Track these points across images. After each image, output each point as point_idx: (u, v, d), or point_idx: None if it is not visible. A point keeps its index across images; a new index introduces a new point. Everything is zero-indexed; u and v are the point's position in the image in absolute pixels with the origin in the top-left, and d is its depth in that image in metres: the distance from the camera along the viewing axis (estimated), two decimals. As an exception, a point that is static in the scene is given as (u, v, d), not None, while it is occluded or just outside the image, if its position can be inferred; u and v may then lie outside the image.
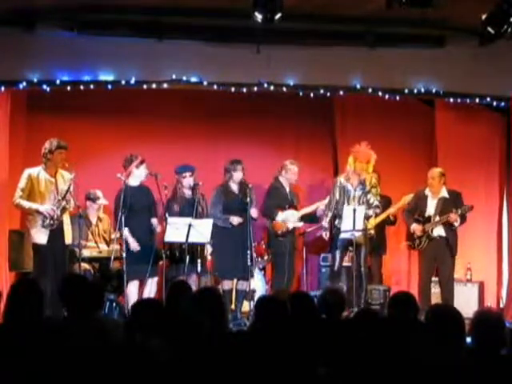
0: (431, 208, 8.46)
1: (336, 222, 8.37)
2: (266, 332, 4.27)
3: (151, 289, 7.94)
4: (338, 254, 8.37)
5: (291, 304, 4.83)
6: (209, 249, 8.12)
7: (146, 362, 3.46)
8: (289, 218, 8.58)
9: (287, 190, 8.70)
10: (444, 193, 8.45)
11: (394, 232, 9.42)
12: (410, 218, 8.58)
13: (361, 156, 8.42)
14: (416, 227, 8.43)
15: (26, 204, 7.46)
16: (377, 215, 8.78)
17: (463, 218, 8.40)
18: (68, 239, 7.64)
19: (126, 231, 7.76)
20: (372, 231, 8.76)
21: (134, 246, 7.82)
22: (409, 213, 8.64)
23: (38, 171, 7.54)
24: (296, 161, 8.75)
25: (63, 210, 7.50)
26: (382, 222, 8.96)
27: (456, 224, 8.37)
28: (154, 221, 8.05)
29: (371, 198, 8.42)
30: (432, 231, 8.37)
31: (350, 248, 8.32)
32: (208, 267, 8.29)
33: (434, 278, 8.57)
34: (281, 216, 8.54)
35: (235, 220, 8.21)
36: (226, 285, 8.29)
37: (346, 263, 8.66)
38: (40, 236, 7.45)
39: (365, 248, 8.38)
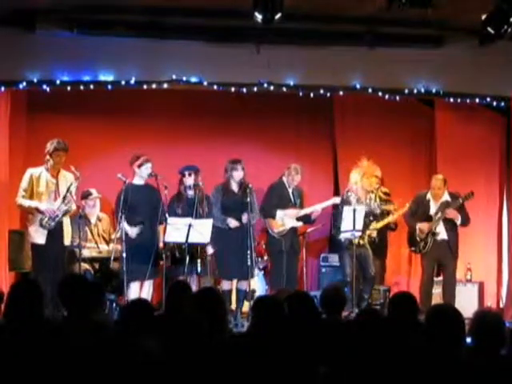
0: (433, 210, 8.46)
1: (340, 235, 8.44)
2: (263, 333, 4.27)
3: (149, 290, 7.92)
4: (348, 262, 8.40)
5: (291, 304, 4.83)
6: (209, 250, 8.11)
7: (142, 363, 3.47)
8: (288, 218, 8.55)
9: (290, 190, 8.65)
10: (446, 196, 8.46)
11: (394, 236, 9.41)
12: (413, 221, 8.54)
13: (369, 171, 8.47)
14: (422, 225, 8.41)
15: (27, 202, 7.49)
16: (378, 220, 8.77)
17: (465, 218, 8.40)
18: (67, 240, 7.64)
19: (125, 224, 7.73)
20: (374, 235, 8.77)
21: (132, 232, 7.78)
22: (410, 217, 8.62)
23: (40, 171, 7.58)
24: (301, 167, 8.69)
25: (66, 211, 7.52)
26: (384, 227, 8.96)
27: (458, 222, 8.37)
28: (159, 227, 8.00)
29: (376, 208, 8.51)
30: (435, 228, 8.36)
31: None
32: (208, 267, 8.29)
33: (435, 279, 8.58)
34: (280, 215, 8.51)
35: (232, 223, 8.20)
36: (226, 285, 8.28)
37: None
38: (39, 236, 7.47)
39: (370, 250, 8.45)
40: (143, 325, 4.02)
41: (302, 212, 8.66)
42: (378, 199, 8.61)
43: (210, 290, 5.03)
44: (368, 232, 8.64)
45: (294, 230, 8.60)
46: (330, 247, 9.58)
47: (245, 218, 8.13)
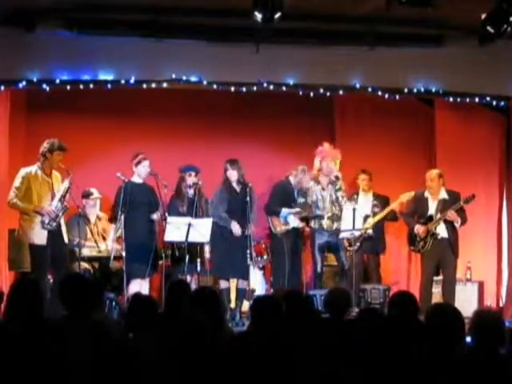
0: (432, 209, 8.44)
1: (312, 223, 8.38)
2: (262, 332, 4.27)
3: (146, 288, 7.91)
4: (318, 256, 8.41)
5: (289, 303, 4.83)
6: (207, 248, 8.11)
7: (142, 362, 3.47)
8: (292, 217, 8.54)
9: (295, 190, 8.66)
10: (443, 194, 8.42)
11: (394, 232, 9.41)
12: (411, 221, 8.51)
13: (330, 156, 8.44)
14: (419, 228, 8.37)
15: (22, 204, 7.37)
16: (375, 214, 8.77)
17: (464, 219, 8.38)
18: (65, 239, 7.61)
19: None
20: (370, 231, 8.76)
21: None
22: (408, 216, 8.60)
23: (34, 170, 7.43)
24: (309, 170, 8.69)
25: (65, 210, 7.47)
26: (380, 221, 8.95)
27: (457, 224, 8.35)
28: (154, 216, 8.00)
29: (339, 196, 8.48)
30: (435, 229, 8.33)
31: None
32: (207, 266, 8.29)
33: (435, 278, 8.57)
34: (284, 213, 8.50)
35: (235, 228, 8.13)
36: (223, 284, 8.27)
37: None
38: (39, 236, 7.35)
39: (343, 249, 8.43)
40: (146, 321, 4.02)
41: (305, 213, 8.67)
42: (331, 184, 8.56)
43: (207, 289, 5.03)
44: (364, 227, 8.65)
45: (296, 230, 8.58)
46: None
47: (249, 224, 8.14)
